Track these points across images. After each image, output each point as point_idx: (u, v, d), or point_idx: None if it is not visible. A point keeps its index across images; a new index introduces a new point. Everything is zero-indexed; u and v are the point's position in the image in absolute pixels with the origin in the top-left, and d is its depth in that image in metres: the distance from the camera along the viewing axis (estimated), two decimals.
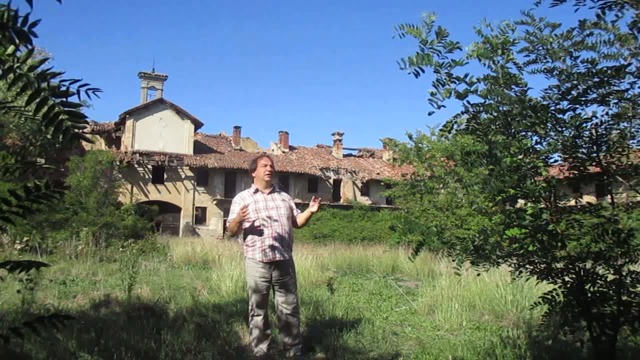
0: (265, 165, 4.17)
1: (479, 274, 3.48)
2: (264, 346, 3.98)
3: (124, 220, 17.75)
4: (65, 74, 1.54)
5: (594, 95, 2.64)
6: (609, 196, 2.93)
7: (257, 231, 3.99)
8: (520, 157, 2.73)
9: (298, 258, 9.24)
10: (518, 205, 2.87)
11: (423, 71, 2.45)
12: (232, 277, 7.10)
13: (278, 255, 3.98)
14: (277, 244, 3.98)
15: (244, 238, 4.13)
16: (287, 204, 4.18)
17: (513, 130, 2.77)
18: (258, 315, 4.01)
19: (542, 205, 2.69)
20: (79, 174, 20.88)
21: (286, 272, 4.05)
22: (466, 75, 2.51)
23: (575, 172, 2.87)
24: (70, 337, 3.88)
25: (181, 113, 33.45)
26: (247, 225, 4.02)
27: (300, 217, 4.28)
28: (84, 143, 28.93)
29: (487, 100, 2.65)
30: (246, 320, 4.97)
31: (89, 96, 1.62)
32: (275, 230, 3.99)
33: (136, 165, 31.46)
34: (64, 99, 1.53)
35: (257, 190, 4.17)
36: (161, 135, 32.53)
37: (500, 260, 2.86)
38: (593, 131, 2.75)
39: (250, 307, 4.05)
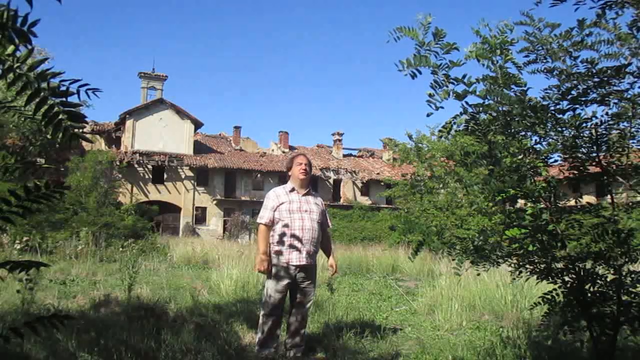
0: (300, 164, 4.10)
1: (479, 274, 3.48)
2: (267, 350, 3.92)
3: (124, 220, 17.72)
4: (65, 74, 1.54)
5: (594, 95, 2.64)
6: (609, 196, 2.93)
7: (287, 233, 3.92)
8: (520, 157, 2.74)
9: None
10: (518, 205, 2.87)
11: (420, 72, 2.45)
12: (231, 277, 7.09)
13: (305, 260, 3.93)
14: (304, 248, 3.92)
15: (272, 238, 4.02)
16: (319, 209, 4.11)
17: (513, 131, 2.77)
18: (272, 316, 3.93)
19: (542, 205, 2.69)
20: (79, 174, 20.86)
21: (309, 277, 4.02)
22: (464, 76, 2.51)
23: (575, 172, 2.87)
24: (70, 337, 3.88)
25: (181, 113, 33.46)
26: (278, 226, 3.97)
27: (325, 242, 4.25)
28: (84, 143, 28.96)
29: (486, 100, 2.65)
30: (246, 320, 4.98)
31: (88, 96, 1.62)
32: (305, 235, 3.93)
33: (136, 165, 31.46)
34: (64, 99, 1.53)
35: (293, 189, 4.09)
36: (161, 135, 32.54)
37: (500, 260, 2.86)
38: (593, 131, 2.75)
39: (265, 308, 3.96)
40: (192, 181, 33.12)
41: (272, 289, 3.94)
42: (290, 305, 4.12)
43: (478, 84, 2.57)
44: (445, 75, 2.50)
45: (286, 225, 3.94)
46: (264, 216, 4.01)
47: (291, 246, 3.91)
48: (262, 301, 4.06)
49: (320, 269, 9.45)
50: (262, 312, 4.00)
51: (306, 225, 3.96)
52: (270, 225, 4.01)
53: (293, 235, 3.92)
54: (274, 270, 3.95)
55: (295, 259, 3.91)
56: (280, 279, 3.93)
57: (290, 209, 3.98)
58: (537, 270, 2.94)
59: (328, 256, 4.32)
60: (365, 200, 36.13)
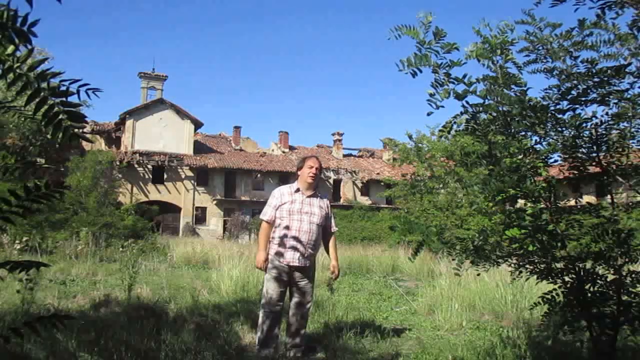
0: (312, 167, 4.10)
1: (479, 274, 3.48)
2: (266, 349, 3.94)
3: (124, 220, 17.71)
4: (65, 73, 1.54)
5: (594, 95, 2.64)
6: (609, 196, 2.93)
7: (284, 233, 3.97)
8: (520, 157, 2.73)
9: None
10: (518, 205, 2.87)
11: (421, 71, 2.45)
12: (232, 277, 7.09)
13: (298, 261, 3.94)
14: (300, 249, 3.94)
15: (272, 237, 4.08)
16: (323, 212, 4.12)
17: (513, 131, 2.77)
18: (268, 315, 3.96)
19: (542, 205, 2.69)
20: (79, 174, 20.86)
21: (305, 277, 4.03)
22: (465, 76, 2.51)
23: (575, 172, 2.87)
24: (70, 337, 3.88)
25: (181, 113, 33.45)
26: (277, 224, 4.02)
27: (330, 246, 4.24)
28: (84, 143, 28.95)
29: (487, 100, 2.65)
30: (246, 320, 4.98)
31: (88, 96, 1.62)
32: (302, 236, 3.95)
33: (136, 165, 31.46)
34: (64, 99, 1.53)
35: (298, 190, 4.11)
36: (161, 135, 32.53)
37: (500, 260, 2.86)
38: (593, 131, 2.75)
39: (263, 307, 4.00)
40: (192, 181, 33.12)
41: (269, 287, 3.99)
42: (290, 306, 4.13)
43: (478, 84, 2.57)
44: (445, 75, 2.50)
45: (283, 226, 3.99)
46: (266, 213, 4.10)
47: (287, 246, 3.96)
48: (262, 300, 4.08)
49: (320, 269, 9.48)
50: (261, 311, 4.03)
51: (303, 227, 3.98)
52: (271, 223, 4.07)
53: (289, 236, 3.96)
54: (269, 268, 4.01)
55: (290, 259, 3.95)
56: (277, 278, 3.98)
57: (290, 210, 4.01)
58: (537, 270, 2.94)
59: (333, 261, 4.29)
60: (365, 200, 36.12)
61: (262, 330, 3.98)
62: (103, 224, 15.65)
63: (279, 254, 3.97)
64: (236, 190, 34.42)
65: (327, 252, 4.30)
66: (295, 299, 4.05)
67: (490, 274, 6.36)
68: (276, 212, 4.04)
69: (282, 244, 3.97)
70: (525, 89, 2.66)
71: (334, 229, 4.26)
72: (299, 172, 4.20)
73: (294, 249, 3.94)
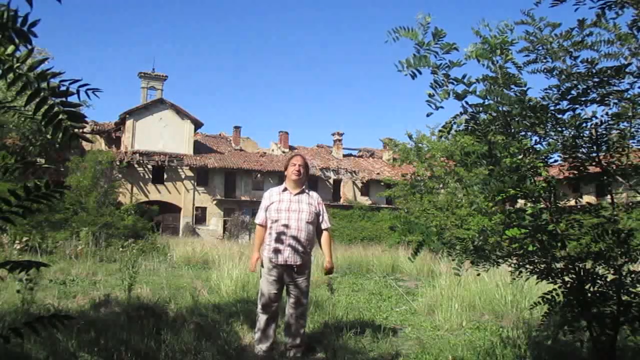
0: (295, 165, 4.15)
1: (479, 274, 3.48)
2: (263, 346, 3.99)
3: (124, 220, 17.71)
4: (65, 74, 1.54)
5: (594, 95, 2.64)
6: (609, 196, 2.93)
7: (273, 232, 4.01)
8: (520, 157, 2.73)
9: None
10: (518, 205, 2.87)
11: (420, 72, 2.45)
12: (232, 277, 7.09)
13: (290, 259, 3.96)
14: (289, 248, 3.95)
15: (265, 237, 4.14)
16: (312, 208, 4.11)
17: (513, 131, 2.77)
18: (264, 314, 4.01)
19: (542, 205, 2.69)
20: (79, 174, 20.85)
21: (299, 275, 4.04)
22: (464, 76, 2.51)
23: (575, 172, 2.87)
24: (70, 337, 3.88)
25: (181, 113, 33.45)
26: (269, 225, 4.07)
27: (323, 242, 4.24)
28: (84, 143, 28.94)
29: (486, 100, 2.64)
30: (246, 320, 4.98)
31: (88, 96, 1.62)
32: (290, 234, 3.96)
33: (136, 165, 31.46)
34: (64, 99, 1.53)
35: (285, 189, 4.16)
36: (161, 135, 32.53)
37: (500, 260, 2.86)
38: (593, 131, 2.75)
39: (259, 305, 4.06)
40: (192, 181, 33.12)
41: (264, 287, 4.04)
42: (288, 305, 4.14)
43: (478, 84, 2.57)
44: (445, 75, 2.50)
45: (274, 225, 4.03)
46: (258, 216, 4.19)
47: (278, 245, 3.99)
48: (258, 301, 4.13)
49: (321, 269, 9.47)
50: (258, 312, 4.07)
51: (292, 225, 3.99)
52: (264, 225, 4.13)
53: (279, 235, 3.99)
54: (265, 269, 4.04)
55: (281, 258, 3.97)
56: (270, 276, 4.01)
57: (278, 209, 4.05)
58: (537, 270, 2.94)
59: (326, 256, 4.32)
60: (365, 200, 36.12)
61: (259, 328, 4.04)
62: (103, 224, 15.65)
63: (271, 254, 4.00)
64: (236, 190, 34.42)
65: (322, 249, 4.30)
66: (291, 299, 4.07)
67: (490, 274, 6.36)
68: (266, 213, 4.10)
69: (273, 243, 4.00)
70: (525, 89, 2.66)
71: (326, 225, 4.23)
72: (285, 173, 4.24)
73: (285, 247, 3.97)
